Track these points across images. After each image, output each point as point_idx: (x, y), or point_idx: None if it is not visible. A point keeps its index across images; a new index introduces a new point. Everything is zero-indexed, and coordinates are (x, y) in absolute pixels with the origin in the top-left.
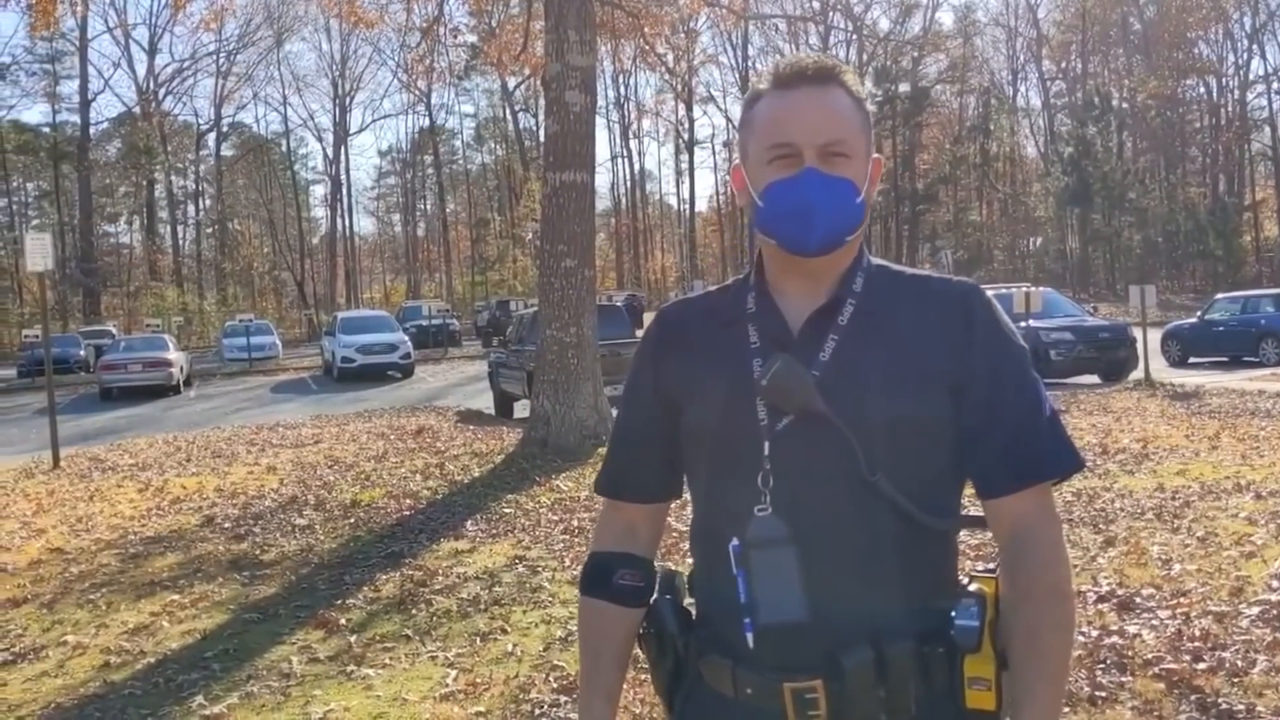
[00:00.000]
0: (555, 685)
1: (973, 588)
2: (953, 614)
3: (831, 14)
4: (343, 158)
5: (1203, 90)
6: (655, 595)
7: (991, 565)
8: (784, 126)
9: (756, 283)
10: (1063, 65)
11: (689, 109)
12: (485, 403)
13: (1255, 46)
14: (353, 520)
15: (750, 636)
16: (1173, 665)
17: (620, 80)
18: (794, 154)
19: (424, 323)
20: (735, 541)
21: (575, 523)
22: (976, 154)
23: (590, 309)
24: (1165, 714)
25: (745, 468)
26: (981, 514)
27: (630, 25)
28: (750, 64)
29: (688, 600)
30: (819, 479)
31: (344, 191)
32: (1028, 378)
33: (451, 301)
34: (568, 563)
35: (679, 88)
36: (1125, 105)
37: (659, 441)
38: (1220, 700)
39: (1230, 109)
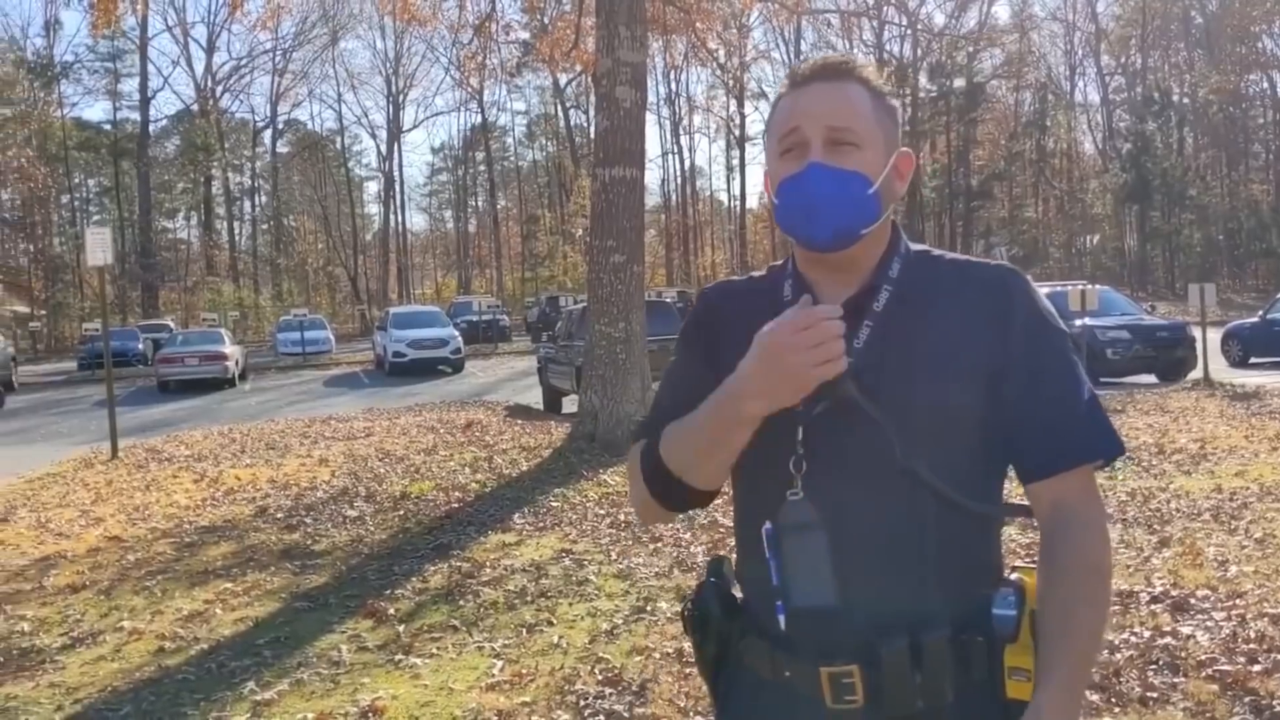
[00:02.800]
0: (601, 678)
1: (1013, 577)
2: (991, 603)
3: (885, 8)
4: (396, 154)
5: (1266, 86)
6: (702, 578)
7: (1034, 556)
8: (792, 115)
9: (794, 270)
10: (1122, 60)
11: (740, 105)
12: (534, 398)
13: None
14: (402, 512)
15: (782, 619)
16: (1227, 667)
17: (671, 76)
18: (801, 142)
19: (474, 318)
20: (768, 525)
21: (622, 517)
22: (1033, 150)
23: (639, 305)
24: (1218, 716)
25: (779, 452)
26: (1024, 502)
27: (682, 21)
28: (803, 59)
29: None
30: (852, 465)
31: (397, 188)
32: (1067, 360)
33: (502, 297)
34: (614, 556)
35: (730, 83)
36: (1186, 101)
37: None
38: (1275, 703)
39: None
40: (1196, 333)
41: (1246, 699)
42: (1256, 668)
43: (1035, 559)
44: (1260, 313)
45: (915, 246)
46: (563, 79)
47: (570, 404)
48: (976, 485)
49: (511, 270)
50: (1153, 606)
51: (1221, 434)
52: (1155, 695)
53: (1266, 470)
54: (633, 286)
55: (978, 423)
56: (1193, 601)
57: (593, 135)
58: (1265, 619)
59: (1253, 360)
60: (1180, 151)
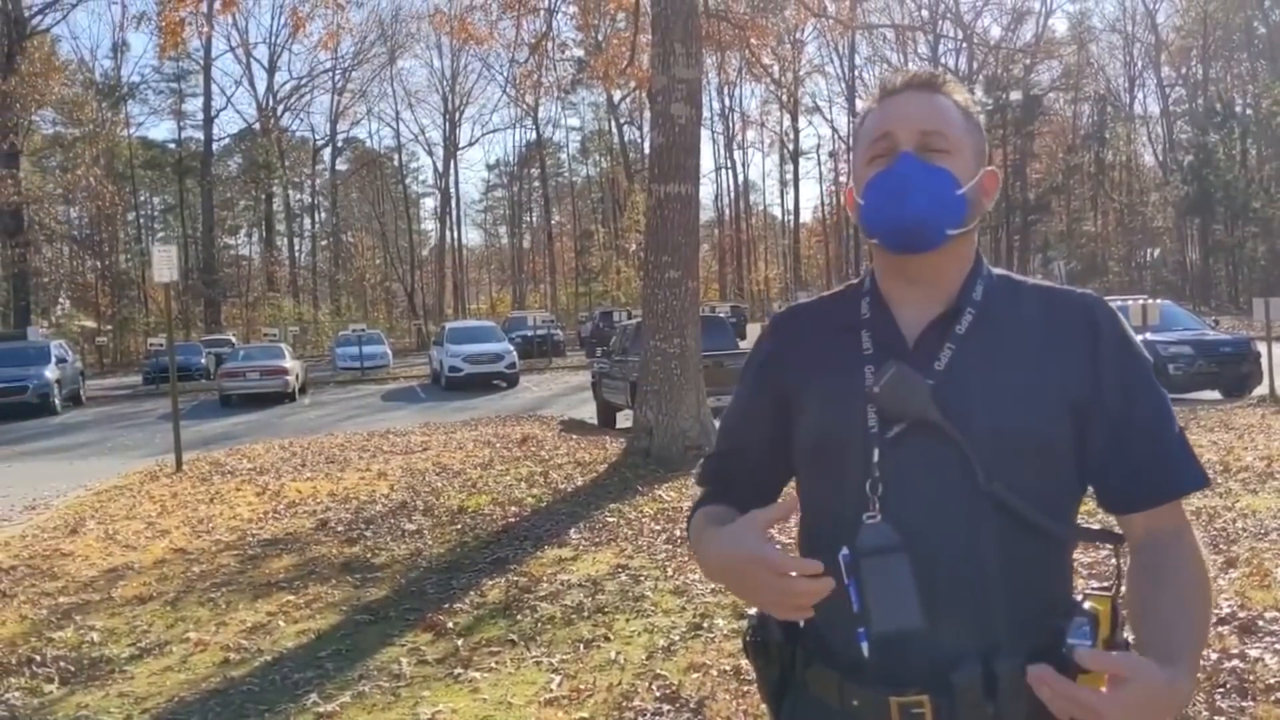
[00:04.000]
0: (658, 694)
1: (1086, 605)
2: (1065, 632)
3: (941, 22)
4: (452, 171)
5: None
6: None
7: (1106, 584)
8: (884, 122)
9: (871, 289)
10: (1182, 71)
11: (794, 119)
12: (588, 413)
13: None
14: (460, 526)
15: (865, 646)
16: None
17: (725, 92)
18: (891, 147)
19: (529, 333)
20: (845, 550)
21: (678, 532)
22: (1091, 162)
23: (693, 320)
24: None
25: (853, 474)
26: (1099, 527)
27: (736, 37)
28: (857, 73)
29: None
30: (930, 488)
31: (453, 204)
32: (1157, 392)
33: (555, 312)
34: (670, 572)
35: (784, 98)
36: (1249, 112)
37: (763, 442)
38: None
39: None
40: (1261, 348)
41: None
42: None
43: (1106, 585)
44: None
45: (997, 271)
46: (616, 95)
47: (625, 419)
48: (1056, 511)
49: (565, 285)
50: (1220, 628)
51: None
52: (1223, 719)
53: None
54: (687, 302)
55: (1060, 451)
56: (1260, 623)
57: (647, 151)
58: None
59: None
60: (1243, 163)
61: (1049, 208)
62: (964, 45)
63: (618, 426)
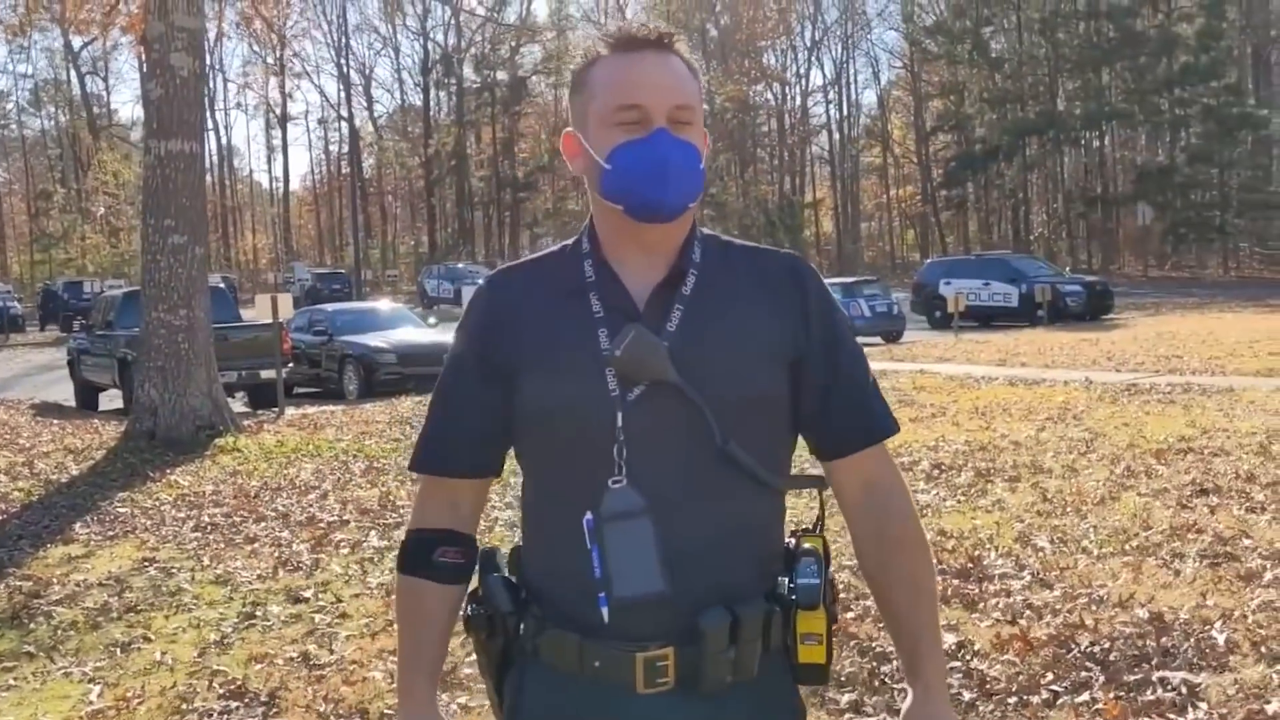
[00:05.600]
0: (221, 691)
1: (807, 546)
2: (793, 572)
3: None
4: None
5: (770, 97)
6: (480, 574)
7: (806, 526)
8: (632, 89)
9: (591, 251)
10: None
11: (281, 83)
12: (63, 393)
13: (814, 59)
14: None
15: (605, 611)
16: None
17: (205, 48)
18: (643, 118)
19: None
20: (589, 516)
21: (205, 519)
22: None
23: (202, 289)
24: None
25: (597, 440)
26: (815, 473)
27: None
28: (345, 39)
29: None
30: (672, 449)
31: None
32: (856, 344)
33: (9, 282)
34: (206, 561)
35: (272, 60)
36: (706, 107)
37: (487, 414)
38: (875, 645)
39: (794, 115)
40: None
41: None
42: (850, 614)
43: (808, 527)
44: None
45: (705, 231)
46: (76, 42)
47: (109, 400)
48: (777, 462)
49: (19, 252)
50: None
51: None
52: None
53: None
54: (195, 270)
55: (780, 404)
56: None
57: (141, 105)
58: (845, 570)
59: None
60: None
61: (537, 186)
62: (452, 21)
63: (100, 409)
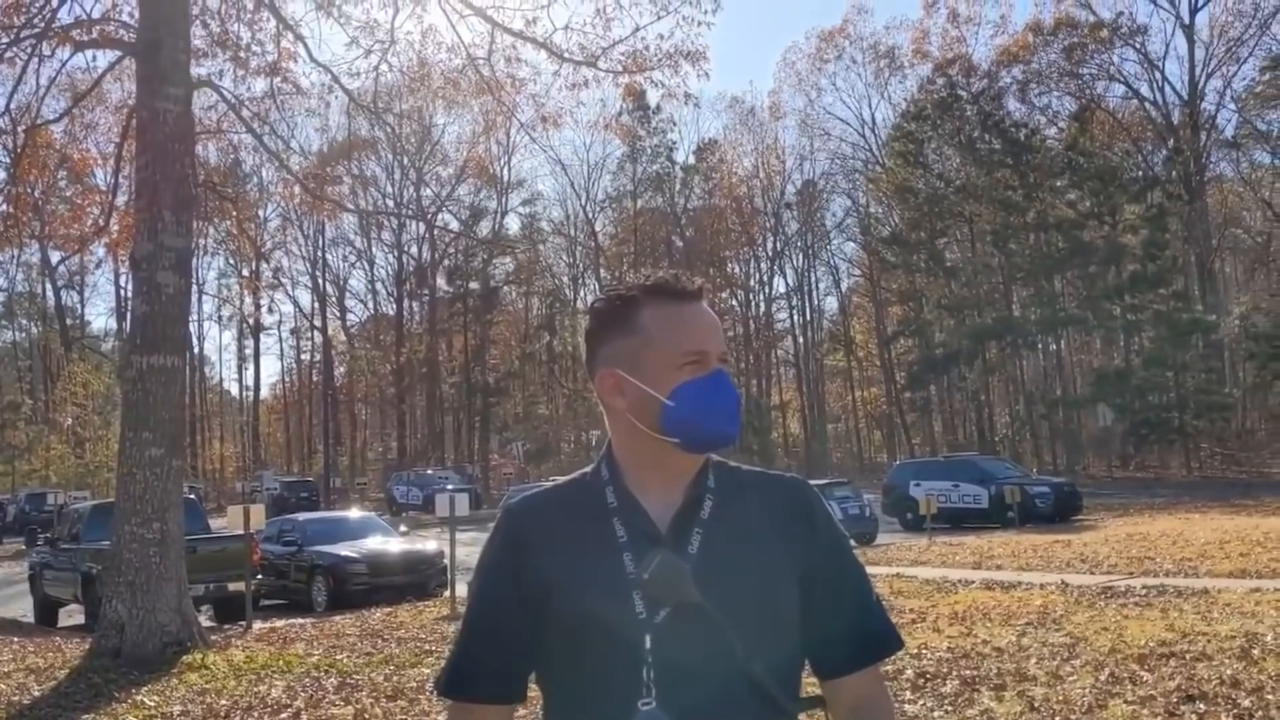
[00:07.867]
0: None
1: None
2: None
3: (404, 210)
4: None
5: (734, 303)
6: None
7: None
8: (696, 336)
9: (613, 479)
10: (616, 273)
11: (255, 294)
12: (21, 608)
13: (777, 268)
14: None
15: None
16: None
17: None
18: (704, 360)
19: None
20: None
21: None
22: (543, 351)
23: (177, 502)
24: None
25: (625, 661)
26: (817, 694)
27: (220, 209)
28: (321, 253)
29: None
30: (699, 670)
31: None
32: (859, 565)
33: None
34: None
35: (248, 272)
36: None
37: (516, 639)
38: None
39: (759, 320)
40: None
41: None
42: None
43: None
44: None
45: (715, 458)
46: (55, 256)
47: (69, 615)
48: (793, 681)
49: None
50: None
51: None
52: None
53: None
54: (170, 483)
55: (793, 624)
56: None
57: (115, 317)
58: None
59: None
60: None
61: (507, 391)
62: (426, 236)
63: (60, 625)
